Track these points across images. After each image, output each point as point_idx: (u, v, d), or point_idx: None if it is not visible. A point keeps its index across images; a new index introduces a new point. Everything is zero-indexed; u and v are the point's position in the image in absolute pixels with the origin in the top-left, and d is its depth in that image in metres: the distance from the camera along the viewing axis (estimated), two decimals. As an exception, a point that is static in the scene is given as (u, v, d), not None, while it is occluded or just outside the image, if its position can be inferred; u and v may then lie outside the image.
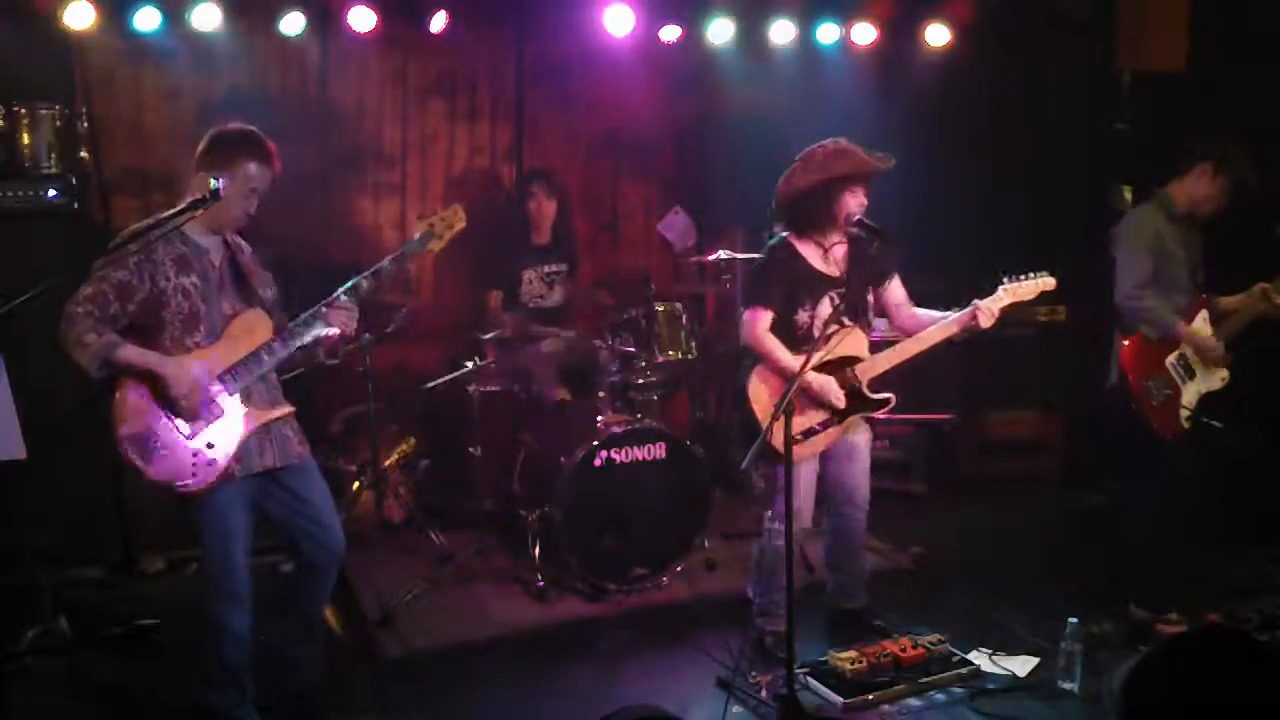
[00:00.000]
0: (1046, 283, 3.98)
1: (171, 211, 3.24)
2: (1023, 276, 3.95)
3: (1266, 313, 4.32)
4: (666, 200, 6.57)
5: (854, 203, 3.88)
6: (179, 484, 3.25)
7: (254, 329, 3.41)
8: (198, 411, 3.26)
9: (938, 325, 3.94)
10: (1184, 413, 4.26)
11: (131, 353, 3.20)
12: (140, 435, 3.23)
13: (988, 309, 3.88)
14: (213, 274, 3.38)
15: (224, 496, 3.32)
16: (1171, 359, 4.29)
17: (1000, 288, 3.94)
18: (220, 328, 3.37)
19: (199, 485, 3.26)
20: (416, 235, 3.62)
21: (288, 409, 3.49)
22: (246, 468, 3.36)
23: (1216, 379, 4.32)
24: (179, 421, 3.26)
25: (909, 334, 4.00)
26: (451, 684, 3.95)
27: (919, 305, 4.10)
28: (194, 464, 3.26)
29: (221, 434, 3.31)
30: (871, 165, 3.86)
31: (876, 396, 3.96)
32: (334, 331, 3.47)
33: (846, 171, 3.85)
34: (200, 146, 3.37)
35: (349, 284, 3.50)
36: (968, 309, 3.91)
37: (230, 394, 3.34)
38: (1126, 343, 4.33)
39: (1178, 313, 4.29)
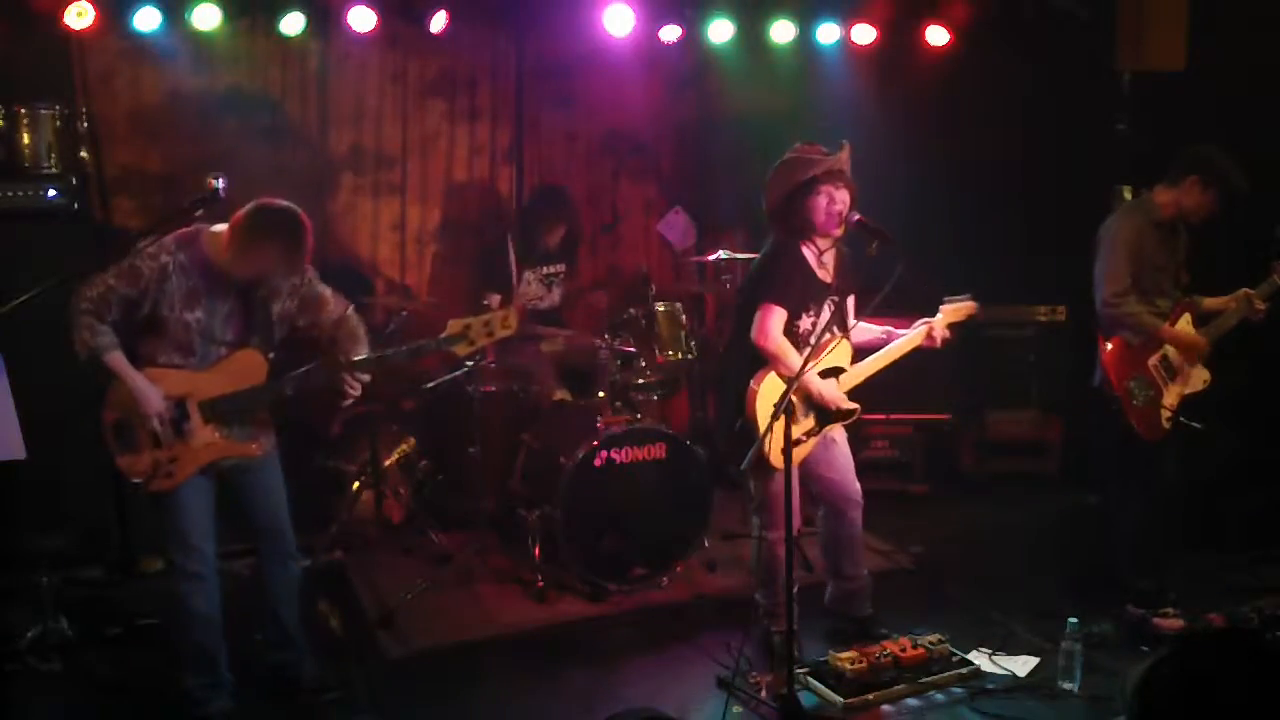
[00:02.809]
0: (969, 307, 4.18)
1: (176, 212, 3.27)
2: (956, 298, 4.16)
3: (1249, 318, 4.32)
4: (666, 200, 6.57)
5: (824, 203, 3.84)
6: (135, 480, 3.41)
7: (248, 369, 3.47)
8: (170, 427, 3.37)
9: (900, 342, 4.07)
10: (1165, 414, 4.27)
11: (116, 361, 3.35)
12: (120, 426, 3.40)
13: (941, 327, 4.06)
14: (221, 307, 3.41)
15: (186, 485, 3.43)
16: (1154, 361, 4.29)
17: (940, 307, 4.14)
18: (214, 355, 3.43)
19: (152, 489, 3.40)
20: (444, 334, 3.52)
21: (253, 448, 3.52)
22: (204, 470, 3.47)
23: (1198, 380, 4.33)
24: (154, 428, 3.36)
25: (860, 347, 4.11)
26: (451, 684, 3.95)
27: (921, 304, 4.13)
28: (153, 471, 3.39)
29: (187, 454, 3.41)
30: (815, 168, 3.82)
31: (848, 407, 4.01)
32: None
33: (801, 177, 3.83)
34: (244, 209, 3.33)
35: (357, 359, 3.52)
36: (921, 328, 4.07)
37: (204, 422, 3.41)
38: (1110, 345, 4.33)
39: (1160, 317, 4.30)
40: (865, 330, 4.13)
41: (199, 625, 3.50)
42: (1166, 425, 4.27)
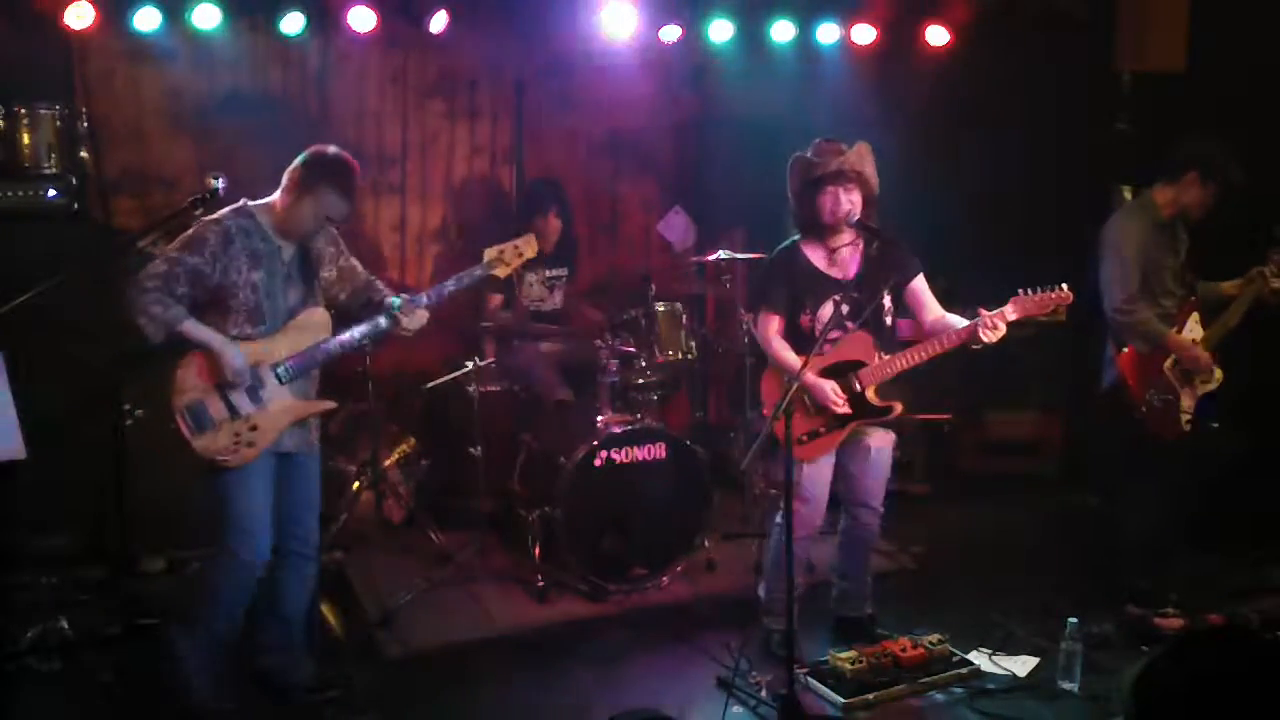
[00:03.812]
0: (1064, 295, 3.80)
1: (171, 212, 3.28)
2: (1037, 289, 3.81)
3: (1263, 296, 4.30)
4: (666, 200, 6.57)
5: (829, 202, 3.84)
6: (219, 458, 3.40)
7: (314, 325, 3.57)
8: (246, 395, 3.42)
9: (940, 336, 3.85)
10: (1184, 416, 4.26)
11: (193, 327, 3.37)
12: (193, 408, 3.40)
13: (994, 320, 3.75)
14: (280, 270, 3.51)
15: (251, 465, 3.46)
16: (1168, 364, 4.28)
17: (1012, 300, 3.81)
18: (282, 320, 3.51)
19: (237, 462, 3.42)
20: (485, 261, 3.79)
21: (329, 404, 3.65)
22: (274, 446, 3.50)
23: (1212, 379, 4.32)
24: (230, 400, 3.40)
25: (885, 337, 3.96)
26: (451, 684, 3.95)
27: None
28: (236, 443, 3.41)
29: (266, 420, 3.46)
30: (821, 168, 3.81)
31: (880, 404, 3.92)
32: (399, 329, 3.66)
33: (809, 175, 3.85)
34: (298, 160, 3.47)
35: (416, 296, 3.69)
36: (971, 321, 3.81)
37: (281, 383, 3.48)
38: (1126, 350, 4.32)
39: (1167, 318, 4.28)
40: (948, 321, 3.90)
41: (225, 616, 3.51)
42: (1186, 427, 4.27)
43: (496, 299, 5.48)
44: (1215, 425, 4.28)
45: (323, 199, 3.45)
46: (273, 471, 3.54)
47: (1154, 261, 4.29)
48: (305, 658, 3.79)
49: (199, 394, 3.40)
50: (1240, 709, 1.52)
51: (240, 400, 3.42)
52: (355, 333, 3.60)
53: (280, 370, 3.48)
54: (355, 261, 3.78)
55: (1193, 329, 4.32)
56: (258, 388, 3.44)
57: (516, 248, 3.83)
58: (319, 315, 3.59)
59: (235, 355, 3.38)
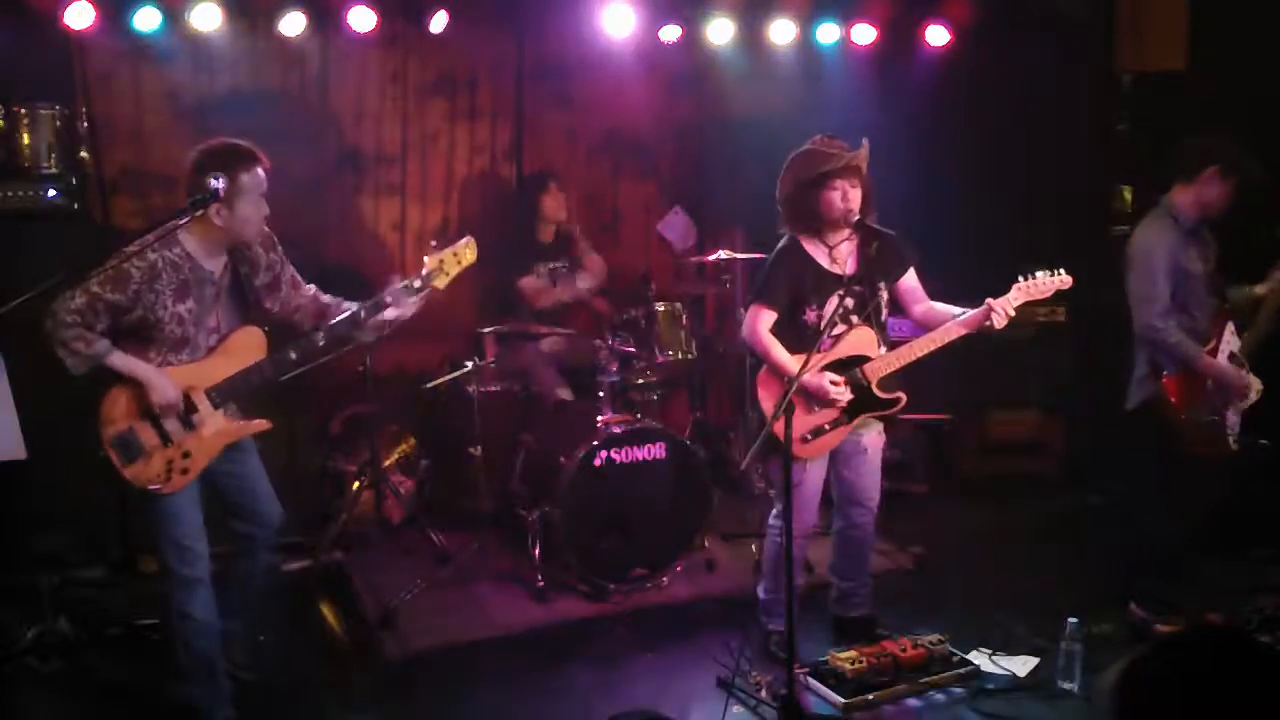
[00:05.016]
0: (1064, 280, 3.86)
1: (174, 214, 3.26)
2: (1039, 274, 3.86)
3: None
4: (666, 200, 6.57)
5: (838, 198, 3.82)
6: (152, 487, 3.32)
7: (249, 346, 3.46)
8: (179, 421, 3.34)
9: (948, 325, 3.85)
10: (1230, 435, 4.17)
11: (120, 360, 3.28)
12: (124, 437, 3.32)
13: (1001, 307, 3.78)
14: (209, 292, 3.40)
15: (183, 491, 3.39)
16: (1210, 383, 4.15)
17: (1015, 286, 3.85)
18: (204, 343, 3.41)
19: (170, 490, 3.34)
20: (425, 271, 3.59)
21: (263, 424, 3.54)
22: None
23: (1253, 393, 4.20)
24: (162, 427, 3.33)
25: (925, 329, 3.93)
26: (451, 684, 3.95)
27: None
28: (169, 471, 3.33)
29: (200, 445, 3.38)
30: (832, 163, 3.79)
31: (886, 396, 3.92)
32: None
33: (816, 171, 3.82)
34: (189, 168, 3.31)
35: (344, 315, 3.53)
36: (981, 308, 3.82)
37: (214, 408, 3.39)
38: (1165, 372, 4.18)
39: (1198, 332, 4.13)
40: (939, 312, 3.95)
41: (201, 632, 3.47)
42: (1235, 446, 4.17)
43: (530, 281, 5.43)
44: (1265, 443, 4.18)
45: (248, 185, 3.30)
46: (198, 487, 3.44)
47: (1183, 272, 4.14)
48: (247, 638, 3.78)
49: (129, 422, 3.31)
50: (1224, 709, 1.51)
51: (173, 426, 3.33)
52: (290, 351, 3.45)
53: (214, 394, 3.38)
54: (294, 271, 3.63)
55: (1230, 340, 4.17)
56: (190, 413, 3.35)
57: (455, 254, 3.63)
58: (251, 335, 3.47)
59: (166, 386, 3.28)
